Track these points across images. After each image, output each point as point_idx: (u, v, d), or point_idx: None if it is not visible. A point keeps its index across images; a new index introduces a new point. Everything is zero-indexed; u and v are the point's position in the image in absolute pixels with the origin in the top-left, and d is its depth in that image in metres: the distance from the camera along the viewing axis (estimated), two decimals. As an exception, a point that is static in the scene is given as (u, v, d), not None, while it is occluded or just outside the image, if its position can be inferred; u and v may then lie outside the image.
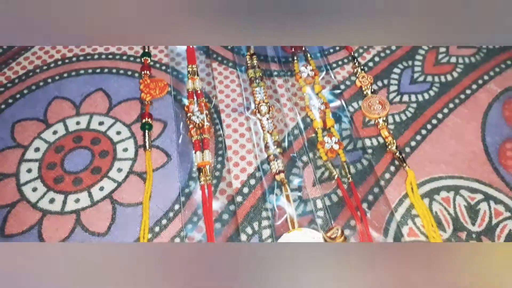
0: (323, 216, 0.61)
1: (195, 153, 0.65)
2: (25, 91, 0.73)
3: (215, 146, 0.67)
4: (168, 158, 0.66)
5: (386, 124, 0.69)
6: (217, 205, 0.61)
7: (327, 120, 0.68)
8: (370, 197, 0.62)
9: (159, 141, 0.67)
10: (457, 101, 0.73)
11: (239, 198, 0.62)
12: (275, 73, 0.77)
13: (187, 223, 0.59)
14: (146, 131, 0.67)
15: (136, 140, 0.67)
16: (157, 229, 0.59)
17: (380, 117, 0.69)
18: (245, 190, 0.63)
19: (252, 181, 0.64)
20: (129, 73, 0.76)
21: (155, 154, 0.66)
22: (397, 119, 0.71)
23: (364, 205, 0.61)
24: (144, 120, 0.68)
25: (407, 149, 0.67)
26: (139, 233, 0.58)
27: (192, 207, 0.61)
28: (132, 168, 0.65)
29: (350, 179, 0.63)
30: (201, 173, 0.63)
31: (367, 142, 0.68)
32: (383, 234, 0.59)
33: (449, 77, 0.76)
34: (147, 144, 0.66)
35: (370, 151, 0.67)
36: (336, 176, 0.63)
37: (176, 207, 0.61)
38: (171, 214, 0.61)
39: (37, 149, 0.66)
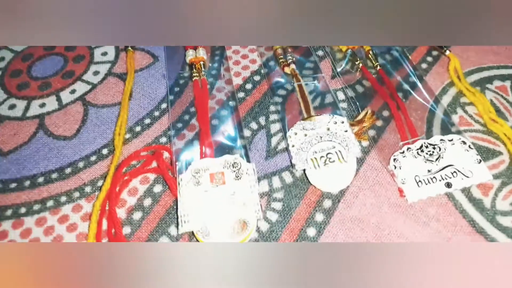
0: (347, 107, 0.48)
1: (186, 50, 0.53)
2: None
3: (211, 47, 0.55)
4: (155, 59, 0.54)
5: (417, 15, 0.57)
6: (213, 102, 0.49)
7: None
8: (405, 86, 0.49)
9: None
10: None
11: (241, 94, 0.50)
12: None
13: (176, 122, 0.47)
14: (130, 34, 0.56)
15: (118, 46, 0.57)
16: (138, 128, 0.47)
17: None
18: (248, 86, 0.51)
19: (257, 78, 0.52)
20: None
21: (140, 56, 0.55)
22: (429, 16, 0.59)
23: (399, 95, 0.48)
24: (127, 24, 0.57)
25: (446, 43, 0.55)
26: (113, 134, 0.46)
27: (182, 105, 0.49)
28: (111, 70, 0.53)
29: (378, 67, 0.51)
30: (193, 69, 0.51)
31: (396, 36, 0.56)
32: (426, 123, 0.45)
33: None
34: (129, 46, 0.55)
35: (400, 42, 0.55)
36: (360, 64, 0.51)
37: (164, 105, 0.49)
38: (156, 113, 0.49)
39: (1, 59, 0.56)
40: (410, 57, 0.53)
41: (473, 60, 0.52)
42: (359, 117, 0.45)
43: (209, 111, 0.48)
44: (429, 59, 0.53)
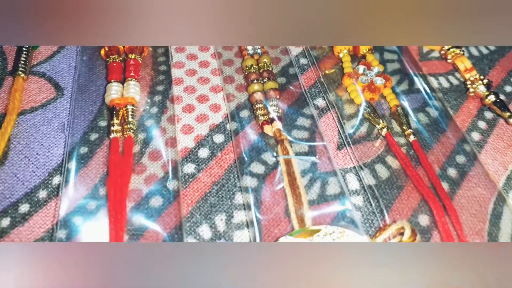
0: (364, 205, 0.29)
1: (108, 83, 0.33)
2: None
3: (151, 78, 0.36)
4: (58, 93, 0.34)
5: (462, 52, 0.39)
6: (140, 179, 0.29)
7: (359, 41, 0.38)
8: (452, 172, 0.31)
9: (48, 65, 0.36)
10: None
11: (188, 169, 0.30)
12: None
13: (67, 216, 0.27)
14: (25, 47, 0.36)
15: (6, 64, 0.36)
16: (4, 222, 0.27)
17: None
18: (203, 153, 0.31)
19: (218, 138, 0.32)
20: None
21: (35, 85, 0.35)
22: (474, 52, 0.41)
23: (444, 186, 0.30)
24: (24, 31, 0.36)
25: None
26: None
27: (87, 182, 0.29)
28: (-18, 108, 0.33)
29: (412, 136, 0.32)
30: (114, 117, 0.31)
31: (432, 82, 0.38)
32: (488, 226, 0.27)
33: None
34: (21, 66, 0.34)
35: (439, 95, 0.36)
36: (384, 130, 0.32)
37: (56, 180, 0.29)
38: (41, 194, 0.28)
39: None
40: (454, 117, 0.34)
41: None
42: (385, 234, 0.26)
43: (130, 194, 0.28)
44: (482, 125, 0.35)
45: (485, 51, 0.41)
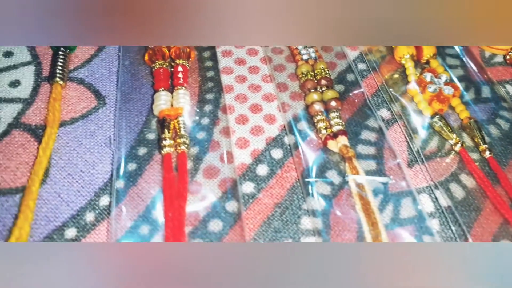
0: (442, 229, 0.27)
1: (156, 92, 0.31)
2: None
3: (199, 86, 0.33)
4: (99, 102, 0.31)
5: (532, 58, 0.36)
6: (195, 202, 0.27)
7: (423, 46, 0.35)
8: (535, 192, 0.28)
9: (86, 71, 0.33)
10: None
11: (247, 188, 0.28)
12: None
13: (123, 236, 0.25)
14: (61, 50, 0.33)
15: (41, 69, 0.33)
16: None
17: (516, 48, 0.36)
18: (261, 170, 0.28)
19: (277, 153, 0.29)
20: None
21: (74, 93, 0.32)
22: (541, 58, 0.38)
23: (528, 209, 0.27)
24: (59, 32, 0.34)
25: None
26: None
27: (137, 203, 0.26)
28: (21, 117, 0.30)
29: (487, 152, 0.29)
30: (166, 130, 0.28)
31: (500, 90, 0.35)
32: None
33: None
34: (58, 72, 0.31)
35: (510, 104, 0.33)
36: (459, 146, 0.29)
37: (104, 201, 0.27)
38: (88, 216, 0.26)
39: None
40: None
41: None
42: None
43: (186, 216, 0.26)
44: (561, 138, 0.32)
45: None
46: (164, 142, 0.28)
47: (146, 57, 0.33)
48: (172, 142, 0.28)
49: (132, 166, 0.28)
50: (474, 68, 0.35)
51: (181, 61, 0.32)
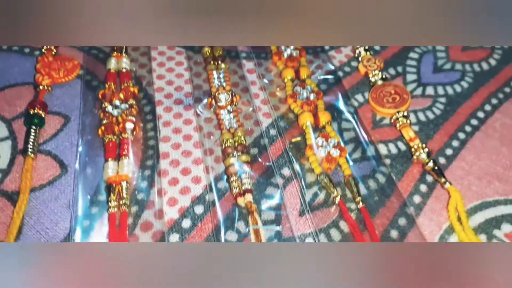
0: (318, 266, 0.36)
1: (106, 161, 0.39)
2: None
3: (142, 154, 0.42)
4: (63, 170, 0.40)
5: (408, 122, 0.45)
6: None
7: (320, 115, 0.44)
8: (394, 234, 0.37)
9: (53, 144, 0.42)
10: (501, 95, 0.50)
11: (173, 237, 0.36)
12: (243, 54, 0.53)
13: None
14: (33, 128, 0.41)
15: (16, 143, 0.42)
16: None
17: (398, 113, 0.46)
18: (186, 223, 0.37)
19: (199, 209, 0.38)
20: (27, 50, 0.51)
21: (43, 163, 0.41)
22: (421, 117, 0.47)
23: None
24: (32, 111, 0.42)
25: (441, 160, 0.43)
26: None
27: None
28: (0, 185, 0.39)
29: (361, 203, 0.38)
30: (112, 194, 0.37)
31: (382, 149, 0.44)
32: None
33: (484, 65, 0.54)
34: (30, 147, 0.40)
35: (387, 161, 0.43)
36: (338, 198, 0.39)
37: (63, 252, 0.35)
38: (51, 265, 0.34)
39: None
40: (398, 184, 0.41)
41: (476, 191, 0.41)
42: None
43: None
44: (423, 188, 0.41)
45: (431, 116, 0.47)
46: (110, 203, 0.37)
47: (99, 132, 0.41)
48: (116, 203, 0.37)
49: (86, 223, 0.37)
50: (362, 131, 0.45)
51: (126, 135, 0.41)
